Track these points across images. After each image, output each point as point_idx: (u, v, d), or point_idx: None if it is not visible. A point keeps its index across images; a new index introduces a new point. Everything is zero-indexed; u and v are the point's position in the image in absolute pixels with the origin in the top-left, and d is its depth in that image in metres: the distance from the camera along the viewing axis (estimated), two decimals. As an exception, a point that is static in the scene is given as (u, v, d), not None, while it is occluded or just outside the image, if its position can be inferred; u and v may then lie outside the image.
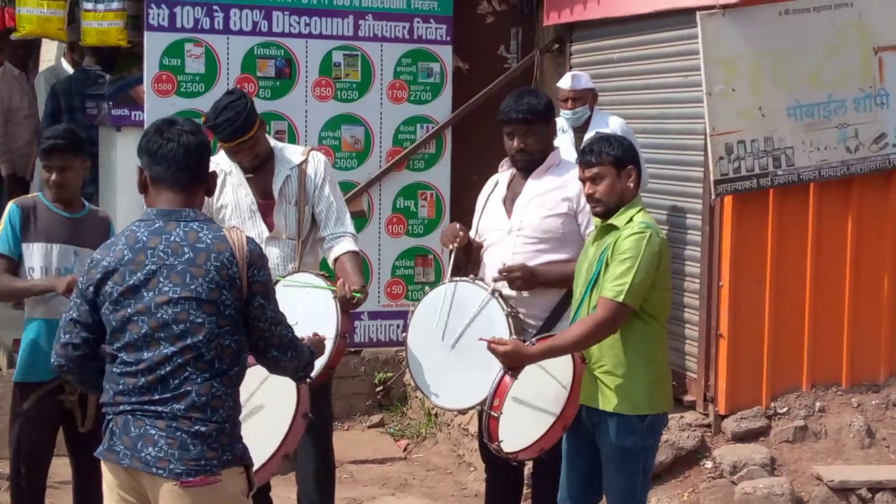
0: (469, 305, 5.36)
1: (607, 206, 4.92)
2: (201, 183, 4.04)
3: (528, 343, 4.95)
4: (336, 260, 5.68)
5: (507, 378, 4.90)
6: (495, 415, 4.90)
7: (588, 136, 7.31)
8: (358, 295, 5.39)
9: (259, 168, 5.72)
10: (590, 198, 4.96)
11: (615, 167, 4.92)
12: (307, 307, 5.23)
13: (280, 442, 4.76)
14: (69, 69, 9.92)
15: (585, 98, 7.50)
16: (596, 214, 5.00)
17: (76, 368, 4.03)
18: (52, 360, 4.06)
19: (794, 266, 7.21)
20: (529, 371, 4.92)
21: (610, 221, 4.92)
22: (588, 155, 4.94)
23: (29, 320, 5.56)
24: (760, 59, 6.91)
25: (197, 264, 3.82)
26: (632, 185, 4.94)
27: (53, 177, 5.50)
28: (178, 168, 3.96)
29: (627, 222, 4.87)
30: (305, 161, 5.77)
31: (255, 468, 4.06)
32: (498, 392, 4.90)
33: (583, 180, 4.98)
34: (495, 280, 5.37)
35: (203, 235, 3.87)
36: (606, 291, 4.79)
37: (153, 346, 3.82)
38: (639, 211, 4.94)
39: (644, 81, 7.95)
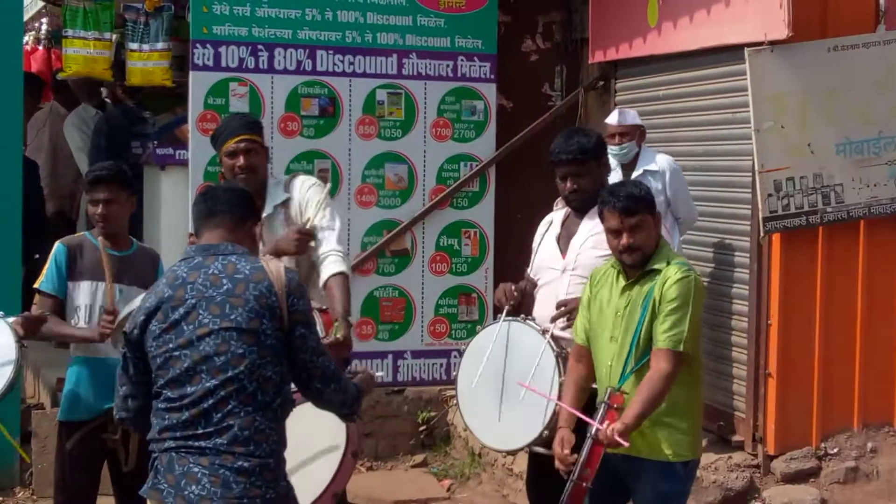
0: (520, 346, 5.33)
1: (645, 255, 4.77)
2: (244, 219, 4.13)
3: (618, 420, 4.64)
4: (325, 285, 5.49)
5: (600, 447, 4.65)
6: (586, 485, 4.66)
7: (636, 173, 7.30)
8: (336, 336, 5.16)
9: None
10: (628, 248, 4.73)
11: (651, 214, 4.80)
12: None
13: (330, 480, 4.71)
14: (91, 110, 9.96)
15: (633, 134, 7.43)
16: (631, 265, 4.79)
17: (137, 419, 4.05)
18: (115, 414, 4.13)
19: (844, 304, 7.11)
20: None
21: (651, 267, 4.76)
22: (628, 201, 4.73)
23: (72, 360, 5.57)
24: (809, 96, 6.84)
25: (236, 294, 3.84)
26: (659, 230, 4.86)
27: (99, 209, 5.50)
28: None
29: (667, 265, 4.77)
30: (290, 198, 5.68)
31: None
32: (591, 462, 4.65)
33: (618, 230, 4.75)
34: (553, 319, 5.32)
35: (241, 266, 3.90)
36: (665, 342, 4.65)
37: (196, 380, 3.83)
38: (670, 250, 4.85)
39: (690, 118, 7.89)
